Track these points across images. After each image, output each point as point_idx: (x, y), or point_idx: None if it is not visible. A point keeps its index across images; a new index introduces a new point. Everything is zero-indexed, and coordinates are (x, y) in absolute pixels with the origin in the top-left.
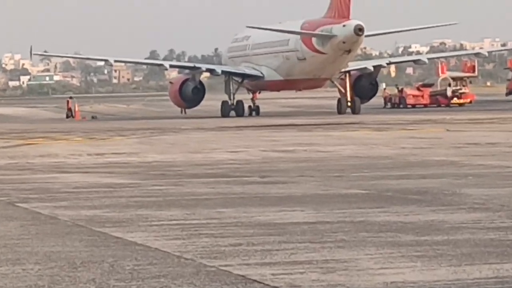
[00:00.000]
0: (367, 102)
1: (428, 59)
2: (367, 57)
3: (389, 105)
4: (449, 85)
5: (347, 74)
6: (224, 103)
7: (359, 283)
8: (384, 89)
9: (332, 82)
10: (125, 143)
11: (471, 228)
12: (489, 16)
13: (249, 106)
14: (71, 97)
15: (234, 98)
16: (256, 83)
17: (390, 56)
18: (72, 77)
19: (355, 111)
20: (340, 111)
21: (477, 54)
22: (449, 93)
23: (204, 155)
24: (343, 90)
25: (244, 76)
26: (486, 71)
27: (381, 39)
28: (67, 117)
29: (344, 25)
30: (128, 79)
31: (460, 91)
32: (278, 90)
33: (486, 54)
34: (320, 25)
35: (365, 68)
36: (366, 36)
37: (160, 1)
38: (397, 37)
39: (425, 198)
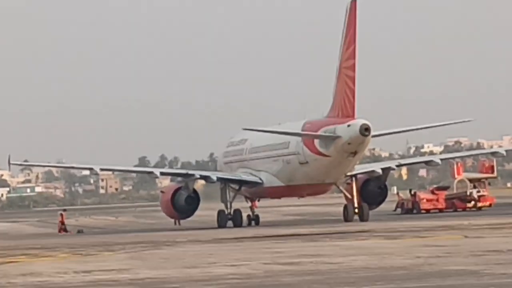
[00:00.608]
0: (376, 208)
1: (441, 159)
2: (376, 159)
3: (399, 210)
4: (474, 186)
5: (354, 178)
6: (220, 212)
7: None
8: (397, 193)
9: (338, 187)
10: (115, 258)
11: None
12: (509, 112)
13: (248, 215)
14: (64, 210)
15: (231, 207)
16: (254, 190)
17: (401, 157)
18: (55, 188)
19: (363, 218)
20: (346, 218)
21: (494, 153)
22: (475, 194)
23: (201, 269)
24: (349, 196)
25: (241, 182)
26: (506, 171)
27: (391, 139)
28: (60, 231)
29: (348, 125)
30: (116, 189)
31: (479, 193)
32: (279, 197)
33: (504, 153)
34: (323, 125)
35: (373, 171)
36: (374, 136)
37: (149, 102)
38: (408, 137)
39: None
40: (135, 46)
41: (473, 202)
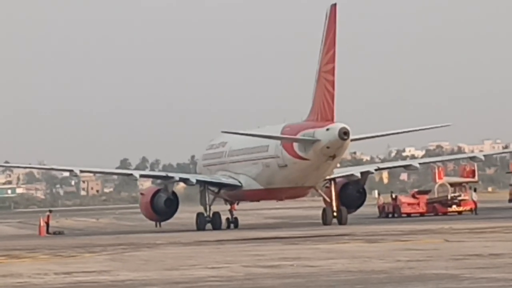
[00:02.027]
0: (355, 212)
1: (420, 164)
2: (357, 162)
3: (383, 214)
4: (474, 189)
5: (333, 182)
6: (199, 215)
7: None
8: (378, 195)
9: (317, 190)
10: (95, 260)
11: None
12: (490, 117)
13: (227, 218)
14: (50, 211)
15: (210, 210)
16: (234, 193)
17: (382, 161)
18: (36, 189)
19: (341, 221)
20: (325, 221)
21: (473, 158)
22: (474, 197)
23: (181, 272)
24: (328, 199)
25: (220, 185)
26: (487, 175)
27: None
28: (48, 232)
29: (327, 129)
30: (98, 191)
31: (459, 198)
32: (258, 200)
33: (483, 158)
34: (302, 129)
35: (352, 175)
36: (353, 140)
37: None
38: (389, 141)
39: None
40: (118, 49)
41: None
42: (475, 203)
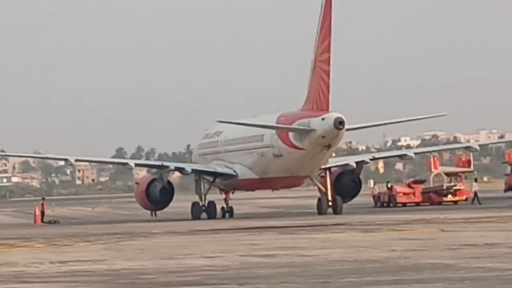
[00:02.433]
0: (350, 201)
1: (416, 153)
2: (353, 152)
3: (378, 204)
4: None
5: (328, 171)
6: (194, 204)
7: None
8: (374, 185)
9: (312, 180)
10: (91, 249)
11: None
12: (486, 107)
13: (222, 208)
14: (43, 199)
15: (205, 199)
16: (229, 182)
17: (378, 150)
18: (32, 178)
19: (336, 211)
20: (320, 211)
21: (468, 148)
22: (476, 187)
23: (177, 261)
24: (323, 189)
25: (216, 174)
26: (483, 165)
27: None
28: (44, 221)
29: (323, 118)
30: (93, 180)
31: (455, 187)
32: (253, 190)
33: (478, 147)
34: (297, 118)
35: (347, 164)
36: (348, 129)
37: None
38: (385, 130)
39: None
40: (111, 39)
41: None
42: (476, 193)
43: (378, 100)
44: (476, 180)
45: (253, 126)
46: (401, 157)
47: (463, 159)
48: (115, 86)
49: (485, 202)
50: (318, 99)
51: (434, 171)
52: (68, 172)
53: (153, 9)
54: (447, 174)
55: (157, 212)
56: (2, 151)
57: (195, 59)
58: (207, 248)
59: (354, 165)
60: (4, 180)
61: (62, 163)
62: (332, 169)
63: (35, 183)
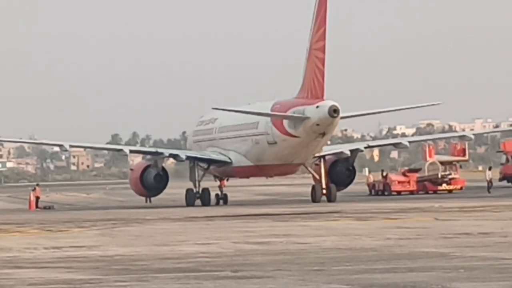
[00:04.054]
0: (344, 189)
1: (410, 142)
2: (348, 140)
3: (373, 192)
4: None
5: (322, 159)
6: (188, 191)
7: None
8: (369, 173)
9: (306, 167)
10: (85, 235)
11: None
12: (481, 96)
13: (216, 195)
14: (37, 184)
15: (199, 186)
16: (223, 169)
17: (373, 138)
18: (27, 164)
19: (330, 199)
20: (314, 199)
21: (462, 137)
22: (488, 176)
23: (171, 247)
24: (317, 177)
25: (210, 161)
26: (478, 154)
27: (364, 121)
28: (38, 207)
29: (317, 106)
30: (88, 166)
31: (450, 176)
32: (248, 177)
33: (472, 137)
34: (292, 106)
35: (341, 152)
36: (343, 117)
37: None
38: (380, 118)
39: None
40: (109, 24)
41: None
42: (488, 181)
43: (373, 88)
44: (490, 169)
45: (248, 114)
46: (396, 145)
47: (458, 148)
48: (111, 72)
49: (480, 192)
50: (313, 87)
51: (429, 160)
52: (63, 158)
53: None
54: (442, 163)
55: (152, 199)
56: None
57: (192, 46)
58: (201, 235)
59: (349, 153)
60: None
61: (57, 148)
62: (327, 157)
63: (30, 169)
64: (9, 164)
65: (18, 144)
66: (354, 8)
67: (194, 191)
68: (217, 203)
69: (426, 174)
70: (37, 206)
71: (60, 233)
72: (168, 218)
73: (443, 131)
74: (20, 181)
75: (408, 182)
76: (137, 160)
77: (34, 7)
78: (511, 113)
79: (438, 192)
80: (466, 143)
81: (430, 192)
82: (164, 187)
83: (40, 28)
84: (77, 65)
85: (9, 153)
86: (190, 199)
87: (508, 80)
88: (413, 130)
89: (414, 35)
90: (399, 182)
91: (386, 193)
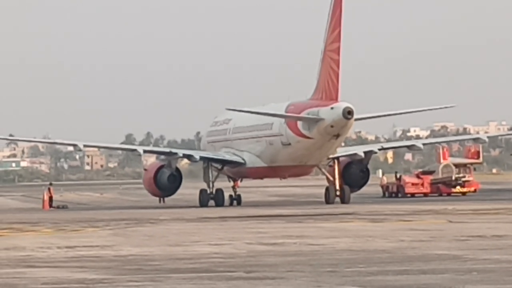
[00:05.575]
0: (358, 191)
1: (424, 144)
2: (363, 141)
3: (386, 194)
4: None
5: (336, 161)
6: (202, 191)
7: None
8: (382, 175)
9: (320, 169)
10: (98, 235)
11: None
12: (496, 98)
13: (230, 195)
14: (51, 184)
15: (213, 186)
16: (237, 170)
17: (387, 140)
18: (41, 163)
19: (344, 200)
20: (328, 200)
21: (476, 140)
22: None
23: (184, 248)
24: (331, 178)
25: (224, 162)
26: (492, 157)
27: (378, 123)
28: (52, 206)
29: (332, 108)
30: (102, 166)
31: (464, 178)
32: (261, 178)
33: (486, 139)
34: (306, 107)
35: (355, 154)
36: (357, 119)
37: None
38: (395, 120)
39: None
40: (125, 23)
41: None
42: None
43: (387, 90)
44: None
45: (262, 115)
46: (410, 147)
47: (472, 150)
48: (125, 73)
49: (494, 194)
50: (328, 88)
51: (443, 162)
52: (77, 157)
53: None
54: (456, 165)
55: (165, 199)
56: (11, 135)
57: (205, 46)
58: (214, 235)
59: (363, 155)
60: (13, 164)
61: (71, 148)
62: (341, 159)
63: (44, 168)
64: (23, 163)
65: (32, 144)
66: (369, 9)
67: (208, 191)
68: (231, 204)
69: (440, 176)
70: (51, 206)
71: (74, 232)
72: (181, 219)
73: (457, 134)
74: (33, 180)
75: (422, 184)
76: (151, 160)
77: (50, 6)
78: None
79: (452, 194)
80: (480, 145)
81: (444, 194)
82: (178, 187)
83: (49, 29)
84: (91, 65)
85: (23, 152)
86: (204, 199)
87: None
88: (427, 132)
89: (429, 36)
90: (413, 184)
91: (399, 195)
